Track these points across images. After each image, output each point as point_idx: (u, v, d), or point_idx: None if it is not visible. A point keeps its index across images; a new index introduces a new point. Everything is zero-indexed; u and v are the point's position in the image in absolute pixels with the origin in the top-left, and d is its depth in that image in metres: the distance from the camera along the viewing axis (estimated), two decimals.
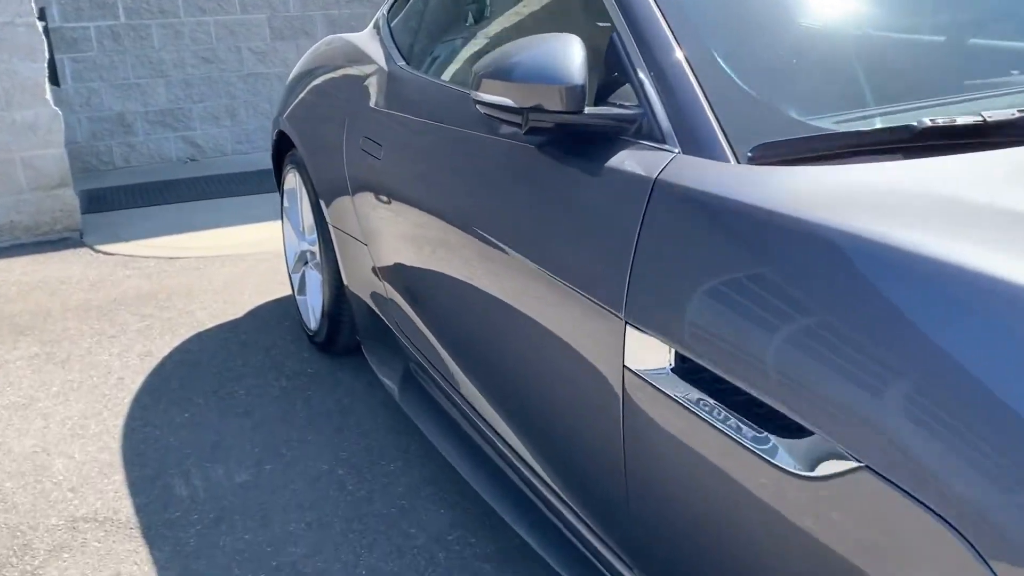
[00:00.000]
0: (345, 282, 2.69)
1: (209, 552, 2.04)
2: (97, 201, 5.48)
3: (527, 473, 1.76)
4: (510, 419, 1.77)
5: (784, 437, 1.00)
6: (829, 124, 1.28)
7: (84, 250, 4.47)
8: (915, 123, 1.22)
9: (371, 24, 2.90)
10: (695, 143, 1.28)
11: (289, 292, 3.68)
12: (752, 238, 1.08)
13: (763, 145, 1.23)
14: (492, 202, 1.70)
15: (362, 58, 2.59)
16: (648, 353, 1.20)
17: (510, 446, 1.83)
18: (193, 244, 4.48)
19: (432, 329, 2.11)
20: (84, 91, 6.47)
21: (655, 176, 1.26)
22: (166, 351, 3.16)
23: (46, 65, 4.51)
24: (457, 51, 2.27)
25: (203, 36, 6.75)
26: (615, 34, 1.50)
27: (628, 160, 1.34)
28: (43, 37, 4.48)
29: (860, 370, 0.91)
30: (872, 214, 1.00)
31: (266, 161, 6.50)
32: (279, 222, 4.74)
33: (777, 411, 1.00)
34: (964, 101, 1.40)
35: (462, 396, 2.03)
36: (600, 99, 1.49)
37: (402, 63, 2.41)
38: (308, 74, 2.92)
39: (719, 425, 1.08)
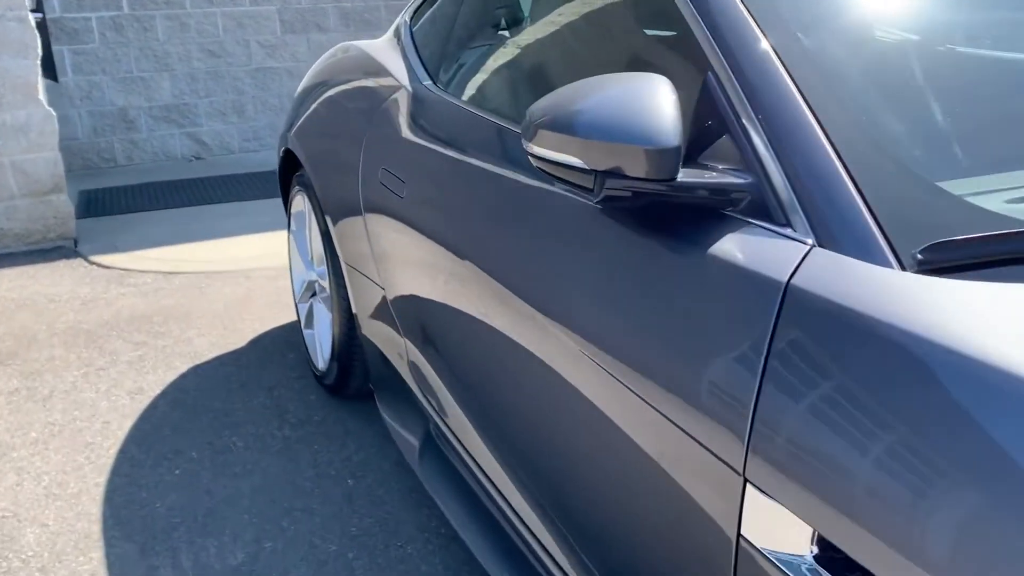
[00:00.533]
0: (358, 325, 2.37)
1: None
2: (95, 204, 5.18)
3: None
4: (549, 521, 1.46)
5: None
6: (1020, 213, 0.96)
7: (78, 261, 4.17)
8: None
9: (391, 31, 2.58)
10: (837, 234, 0.96)
11: (294, 318, 3.37)
12: (949, 389, 0.76)
13: (939, 245, 0.91)
14: (543, 266, 1.38)
15: (381, 72, 2.27)
16: (780, 529, 0.88)
17: (548, 552, 1.52)
18: (194, 256, 4.18)
19: (461, 399, 1.80)
20: (85, 85, 6.16)
21: (786, 279, 0.94)
22: (159, 388, 2.86)
23: (39, 62, 4.20)
24: (496, 71, 1.95)
25: (210, 28, 6.43)
26: (711, 75, 1.18)
27: (741, 248, 1.02)
28: (35, 32, 4.17)
29: None
30: None
31: (275, 161, 6.19)
32: (285, 232, 4.44)
33: None
34: None
35: (493, 482, 1.72)
36: (687, 157, 1.17)
37: (428, 82, 2.09)
38: (320, 87, 2.60)
39: None
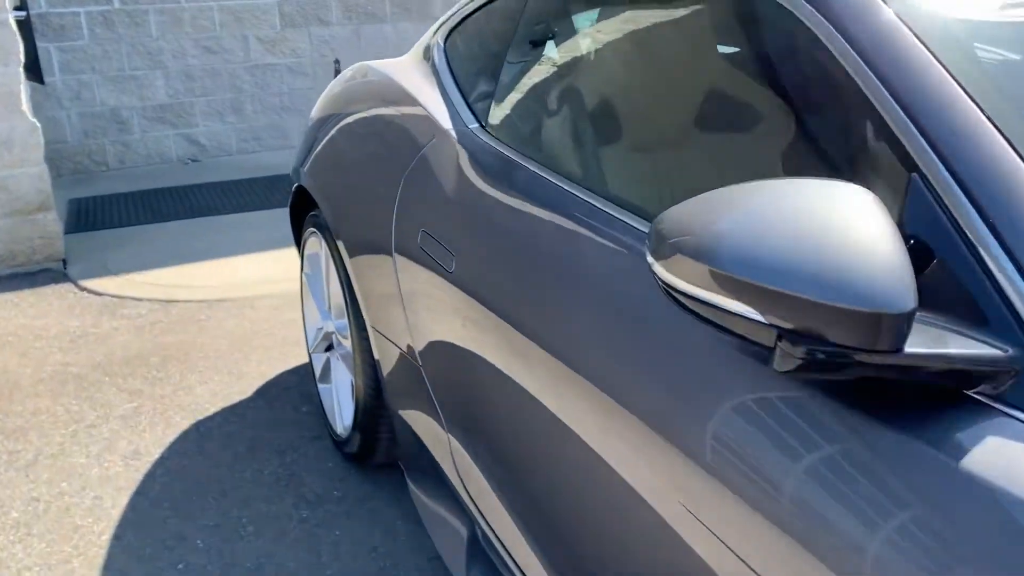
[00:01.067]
0: (387, 398, 2.05)
1: None
2: (85, 216, 4.84)
3: None
4: None
5: None
6: None
7: (67, 286, 3.84)
8: None
9: (417, 50, 2.25)
10: None
11: (304, 359, 3.05)
12: None
13: None
14: (651, 381, 1.07)
15: (414, 107, 1.94)
16: None
17: None
18: (194, 281, 3.85)
19: (520, 512, 1.48)
20: (74, 84, 5.80)
21: None
22: (157, 451, 2.54)
23: (21, 69, 3.85)
24: (569, 118, 1.61)
25: (206, 23, 6.06)
26: (916, 178, 0.86)
27: (1005, 459, 0.71)
28: (17, 37, 3.82)
29: None
30: None
31: (275, 163, 5.85)
32: (289, 251, 4.11)
33: None
34: None
35: None
36: None
37: (474, 125, 1.76)
38: (337, 119, 2.26)
39: None
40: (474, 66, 1.92)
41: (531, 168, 1.53)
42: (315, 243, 2.43)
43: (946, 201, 0.84)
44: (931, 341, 0.76)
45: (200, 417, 2.72)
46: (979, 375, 0.76)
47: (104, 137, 5.96)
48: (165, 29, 5.96)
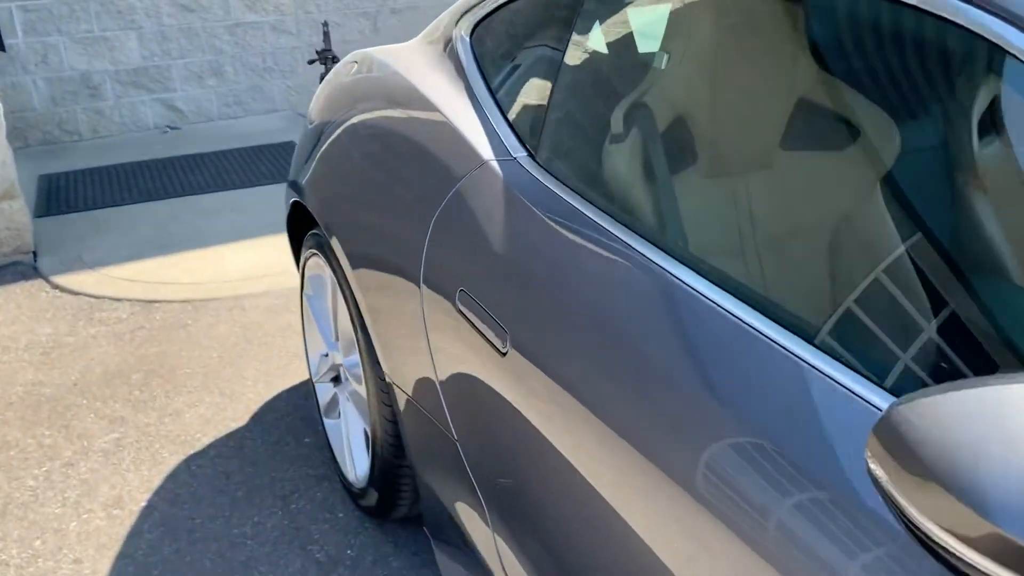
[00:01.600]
0: (411, 462, 1.76)
1: None
2: (57, 195, 4.47)
3: None
4: None
5: None
6: None
7: (37, 284, 3.50)
8: None
9: (432, 40, 1.91)
10: None
11: (304, 375, 2.75)
12: None
13: None
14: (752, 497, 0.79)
15: (439, 122, 1.60)
16: None
17: None
18: (177, 276, 3.52)
19: None
20: (39, 47, 5.37)
21: None
22: (143, 497, 2.25)
23: None
24: (660, 153, 1.29)
25: None
26: None
27: None
28: None
29: None
30: None
31: (260, 130, 5.46)
32: (280, 238, 3.78)
33: None
34: None
35: None
36: None
37: (522, 154, 1.44)
38: (339, 125, 1.92)
39: None
40: (514, 73, 1.59)
41: (601, 219, 1.23)
42: (318, 265, 2.12)
43: None
44: None
45: (190, 451, 2.43)
46: None
47: (75, 104, 5.55)
48: None
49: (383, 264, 1.64)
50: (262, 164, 4.90)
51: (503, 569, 1.46)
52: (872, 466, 0.63)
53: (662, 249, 1.12)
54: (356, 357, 2.05)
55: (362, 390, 1.95)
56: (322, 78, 4.56)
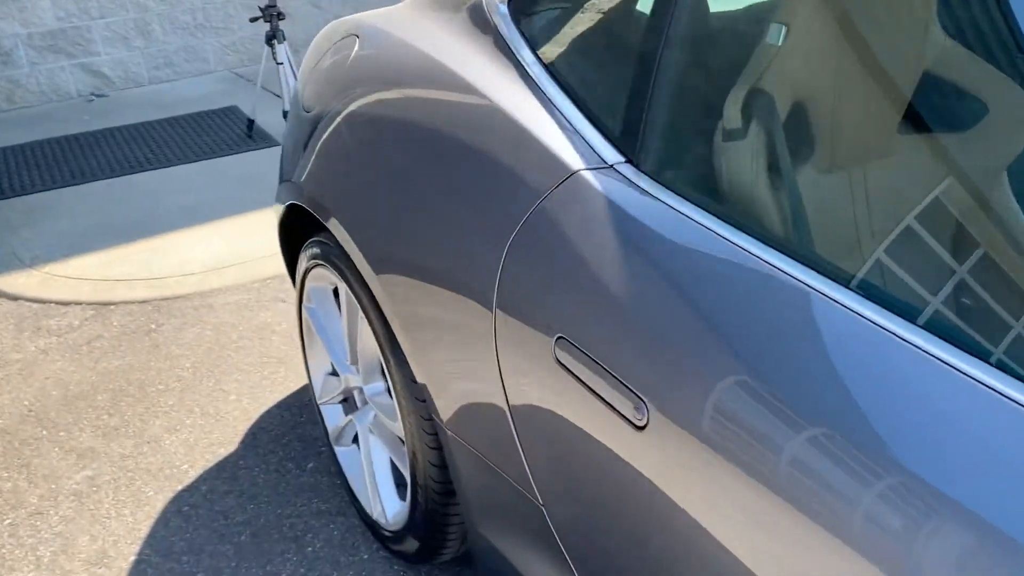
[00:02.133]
0: (467, 513, 1.51)
1: None
2: None
3: None
4: None
5: None
6: None
7: None
8: None
9: (443, 3, 1.60)
10: None
11: (293, 385, 2.46)
12: None
13: None
14: None
15: (492, 112, 1.31)
16: None
17: None
18: (130, 271, 3.15)
19: None
20: None
21: None
22: (130, 549, 1.95)
23: None
24: (817, 159, 1.03)
25: None
26: None
27: None
28: None
29: None
30: None
31: (196, 94, 5.00)
32: (237, 219, 3.42)
33: None
34: None
35: None
36: None
37: (618, 159, 1.16)
38: (353, 116, 1.60)
39: None
40: (585, 56, 1.30)
41: (749, 243, 0.97)
42: (323, 277, 1.82)
43: None
44: None
45: (178, 487, 2.13)
46: None
47: None
48: None
49: (431, 294, 1.35)
50: (205, 134, 4.49)
51: None
52: None
53: (842, 271, 0.88)
54: (381, 385, 1.77)
55: (394, 425, 1.68)
56: (269, 38, 4.15)
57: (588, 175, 1.16)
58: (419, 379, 1.47)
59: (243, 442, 2.27)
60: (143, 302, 2.96)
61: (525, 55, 1.38)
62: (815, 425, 0.84)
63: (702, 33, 1.15)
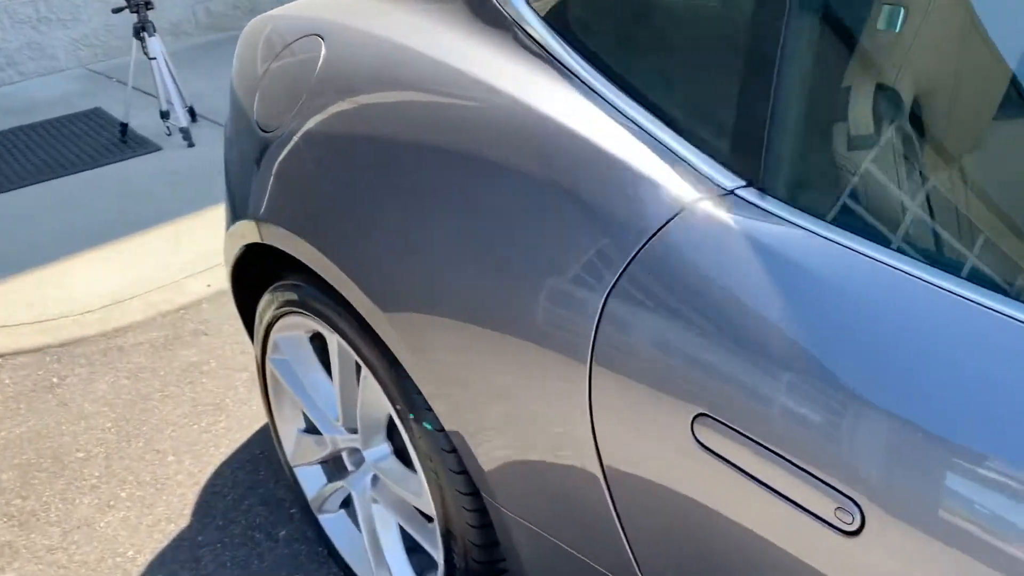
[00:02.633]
0: None
1: None
2: None
3: None
4: None
5: None
6: None
7: None
8: None
9: None
10: None
11: (246, 435, 2.15)
12: None
13: None
14: None
15: (551, 130, 1.05)
16: None
17: None
18: (15, 312, 2.72)
19: None
20: None
21: None
22: None
23: None
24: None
25: None
26: None
27: None
28: None
29: None
30: None
31: (47, 97, 4.43)
32: (128, 241, 2.99)
33: None
34: None
35: None
36: None
37: (738, 183, 0.94)
38: (339, 135, 1.30)
39: None
40: (665, 51, 1.06)
41: (921, 273, 0.78)
42: (299, 324, 1.52)
43: None
44: None
45: None
46: None
47: None
48: None
49: (480, 330, 1.09)
50: (72, 142, 3.99)
51: None
52: None
53: None
54: (386, 448, 1.50)
55: (405, 492, 1.41)
56: (137, 31, 3.69)
57: (707, 206, 0.93)
58: (459, 447, 1.22)
59: (196, 513, 1.94)
60: (37, 351, 2.55)
61: (570, 58, 1.13)
62: None
63: (833, 21, 0.94)
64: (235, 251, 1.60)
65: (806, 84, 0.93)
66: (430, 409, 1.25)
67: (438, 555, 1.41)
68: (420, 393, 1.26)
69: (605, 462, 1.00)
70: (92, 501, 2.00)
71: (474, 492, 1.26)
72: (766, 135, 0.93)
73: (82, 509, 1.98)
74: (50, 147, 3.95)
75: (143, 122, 4.05)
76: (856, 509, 0.78)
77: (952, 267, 0.81)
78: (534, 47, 1.17)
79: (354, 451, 1.63)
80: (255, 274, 1.65)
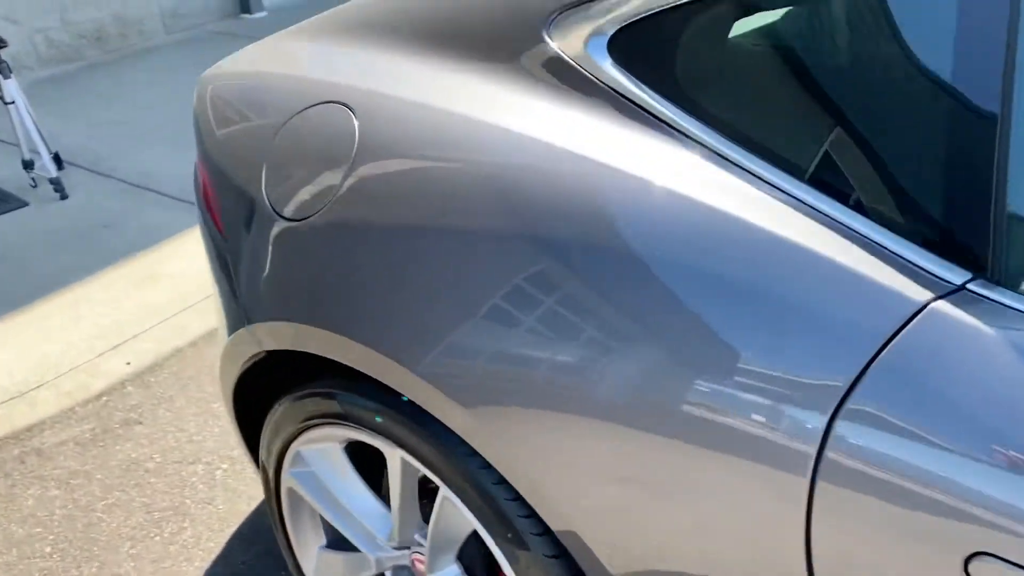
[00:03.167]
0: None
1: None
2: None
3: None
4: None
5: None
6: None
7: None
8: None
9: (489, 53, 1.16)
10: None
11: (220, 541, 1.89)
12: None
13: None
14: None
15: (722, 218, 0.90)
16: None
17: None
18: None
19: None
20: None
21: None
22: None
23: None
24: None
25: None
26: None
27: None
28: None
29: None
30: None
31: None
32: (27, 312, 2.56)
33: None
34: None
35: None
36: None
37: (962, 275, 0.82)
38: (400, 223, 1.10)
39: None
40: (861, 123, 0.93)
41: None
42: (331, 435, 1.31)
43: None
44: None
45: None
46: None
47: None
48: None
49: (655, 478, 0.93)
50: None
51: None
52: None
53: None
54: (455, 570, 1.31)
55: None
56: None
57: (941, 306, 0.81)
58: (583, 562, 1.05)
59: None
60: None
61: (716, 141, 0.97)
62: None
63: None
64: (242, 362, 1.36)
65: None
66: (543, 533, 1.09)
67: None
68: (528, 515, 1.09)
69: None
70: None
71: None
72: (993, 217, 0.82)
73: None
74: None
75: (3, 175, 3.60)
76: None
77: None
78: (656, 123, 1.01)
79: (401, 568, 1.42)
80: (261, 385, 1.42)
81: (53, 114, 4.21)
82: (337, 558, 1.48)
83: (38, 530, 1.96)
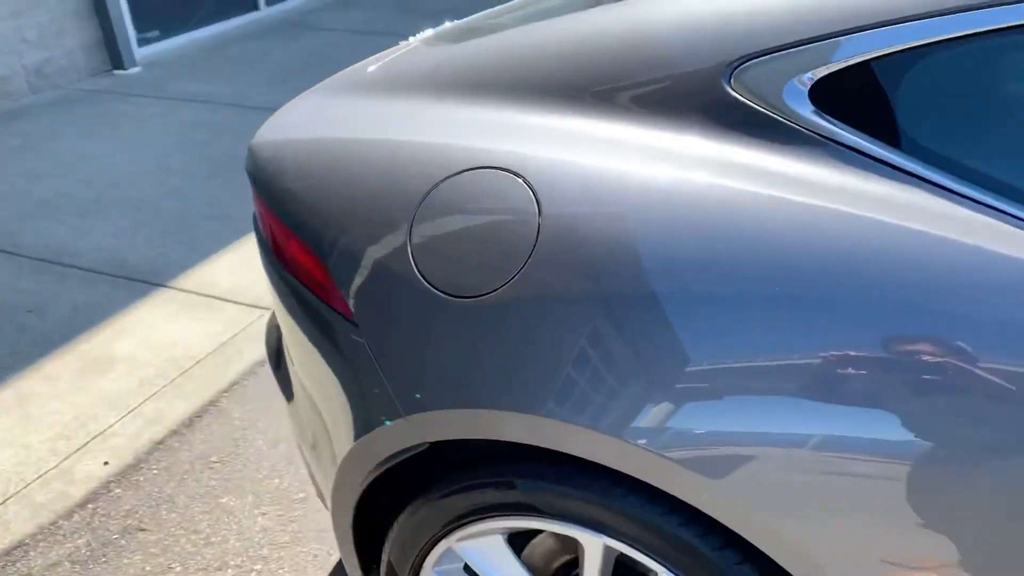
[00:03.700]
0: None
1: None
2: None
3: None
4: None
5: None
6: None
7: None
8: None
9: (651, 106, 1.11)
10: None
11: None
12: None
13: None
14: None
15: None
16: None
17: None
18: None
19: None
20: None
21: None
22: None
23: None
24: None
25: None
26: None
27: None
28: None
29: None
30: None
31: None
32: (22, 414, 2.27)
33: None
34: None
35: None
36: None
37: None
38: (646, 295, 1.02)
39: None
40: None
41: None
42: (494, 528, 1.20)
43: None
44: None
45: None
46: None
47: None
48: None
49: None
50: None
51: None
52: None
53: None
54: None
55: None
56: None
57: None
58: None
59: None
60: None
61: (924, 169, 0.95)
62: None
63: None
64: (380, 459, 1.23)
65: None
66: None
67: None
68: None
69: None
70: None
71: None
72: None
73: None
74: None
75: None
76: None
77: None
78: (882, 168, 0.99)
79: None
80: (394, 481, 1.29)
81: None
82: None
83: None
